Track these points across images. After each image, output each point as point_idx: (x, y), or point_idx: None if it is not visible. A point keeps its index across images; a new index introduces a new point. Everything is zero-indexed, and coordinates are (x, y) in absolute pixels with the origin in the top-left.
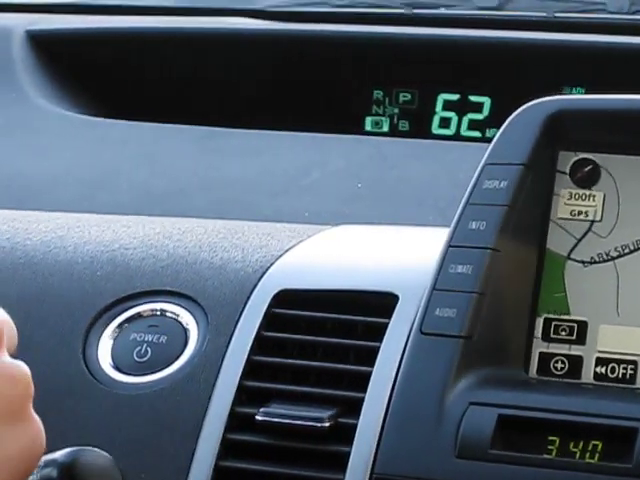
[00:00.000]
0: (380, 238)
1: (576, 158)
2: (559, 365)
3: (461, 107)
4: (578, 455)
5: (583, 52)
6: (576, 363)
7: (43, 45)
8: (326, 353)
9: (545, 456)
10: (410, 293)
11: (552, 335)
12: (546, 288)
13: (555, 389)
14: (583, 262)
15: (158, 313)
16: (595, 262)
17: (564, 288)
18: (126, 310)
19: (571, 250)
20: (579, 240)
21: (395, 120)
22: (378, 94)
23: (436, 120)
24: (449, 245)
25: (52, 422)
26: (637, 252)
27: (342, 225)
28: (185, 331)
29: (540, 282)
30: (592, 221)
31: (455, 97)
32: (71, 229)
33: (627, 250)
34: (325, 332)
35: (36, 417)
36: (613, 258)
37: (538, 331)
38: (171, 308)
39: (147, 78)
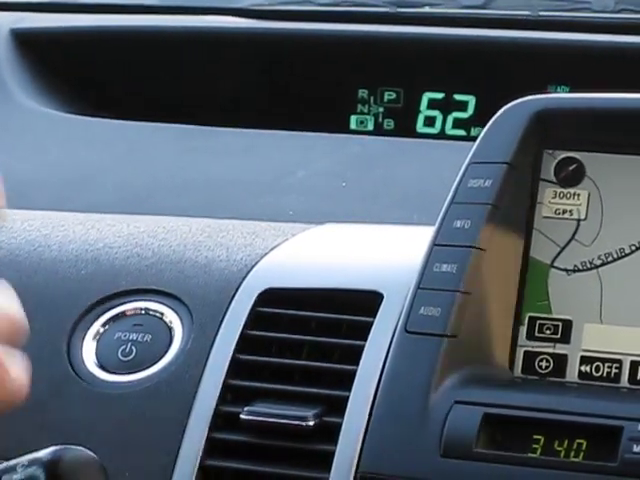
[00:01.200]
0: (365, 237)
1: (561, 157)
2: (544, 364)
3: (446, 106)
4: (563, 454)
5: (568, 51)
6: (561, 362)
7: (27, 43)
8: (311, 352)
9: (530, 455)
10: (395, 292)
11: (537, 334)
12: (530, 295)
13: (540, 388)
14: (566, 270)
15: (143, 312)
16: (578, 270)
17: (547, 296)
18: (111, 309)
19: (554, 258)
20: (562, 248)
21: (380, 119)
22: (363, 93)
23: (421, 119)
24: (434, 244)
25: (36, 421)
26: (620, 260)
27: (327, 224)
28: (170, 330)
29: (524, 284)
30: (577, 219)
31: (440, 96)
32: (55, 228)
33: (610, 258)
34: (310, 331)
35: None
36: (596, 266)
37: (523, 330)
38: (155, 307)
39: (131, 76)
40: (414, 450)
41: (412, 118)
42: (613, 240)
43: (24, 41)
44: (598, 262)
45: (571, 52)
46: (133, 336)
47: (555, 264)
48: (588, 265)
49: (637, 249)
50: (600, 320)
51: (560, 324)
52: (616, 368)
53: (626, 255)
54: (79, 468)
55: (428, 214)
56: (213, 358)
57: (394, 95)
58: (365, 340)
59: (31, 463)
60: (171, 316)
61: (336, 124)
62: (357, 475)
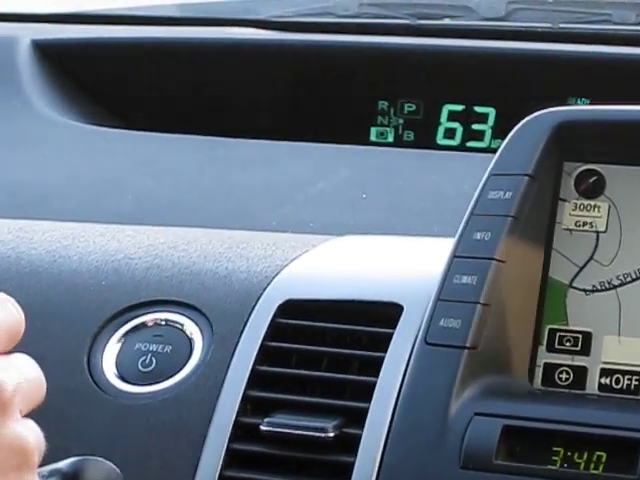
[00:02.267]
0: (385, 248)
1: (581, 169)
2: (564, 376)
3: (466, 118)
4: (582, 466)
5: (588, 63)
6: (580, 374)
7: (48, 54)
8: (331, 363)
9: (549, 467)
10: (415, 303)
11: (556, 346)
12: (548, 315)
13: (560, 400)
14: (585, 290)
15: (163, 323)
16: (597, 290)
17: (566, 316)
18: (131, 320)
19: (573, 278)
20: (581, 268)
21: (400, 130)
22: (383, 105)
23: (441, 131)
24: (454, 255)
25: (56, 431)
26: (639, 281)
27: (347, 235)
28: (190, 341)
29: (544, 298)
30: (596, 236)
31: (460, 108)
32: (76, 239)
33: (629, 279)
34: (329, 342)
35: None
36: (615, 287)
37: (543, 342)
38: (176, 318)
39: (152, 88)
40: (434, 462)
41: (432, 130)
42: (632, 260)
43: (45, 52)
44: (617, 282)
45: (591, 64)
46: (153, 347)
47: (574, 284)
48: (607, 285)
49: None
50: (619, 332)
51: (580, 336)
52: (636, 380)
53: None
54: (99, 479)
55: (448, 226)
56: (233, 369)
57: (414, 107)
58: (385, 352)
59: (51, 474)
60: (191, 327)
61: (356, 136)
62: None
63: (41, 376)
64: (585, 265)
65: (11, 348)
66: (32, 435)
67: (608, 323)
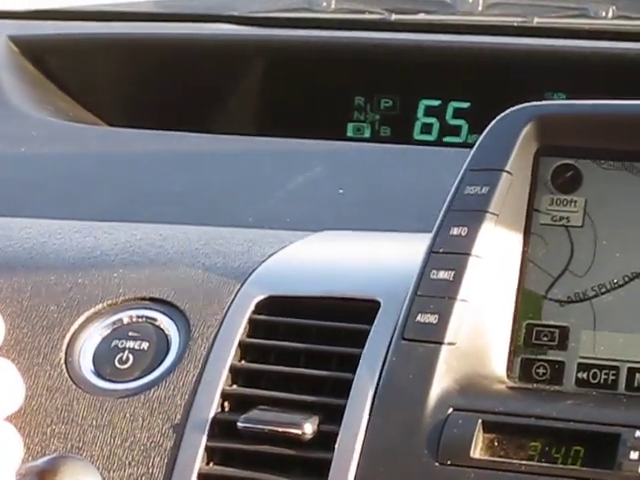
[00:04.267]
0: (362, 244)
1: (557, 164)
2: (541, 371)
3: (442, 113)
4: (560, 460)
5: (564, 58)
6: (558, 369)
7: (24, 50)
8: (308, 359)
9: (527, 462)
10: (392, 299)
11: (534, 341)
12: (519, 350)
13: (537, 395)
14: (560, 301)
15: (140, 320)
16: (572, 301)
17: (537, 351)
18: (108, 317)
19: (548, 289)
20: (556, 279)
21: (377, 126)
22: (359, 100)
23: (417, 126)
24: (431, 251)
25: (33, 428)
26: (614, 291)
27: (324, 231)
28: (167, 338)
29: (522, 292)
30: (571, 226)
31: (436, 103)
32: (52, 235)
33: (604, 290)
34: (307, 338)
35: None
36: (589, 298)
37: (520, 337)
38: (153, 315)
39: (127, 84)
40: (411, 457)
41: (409, 125)
42: (606, 271)
43: (21, 48)
44: (591, 293)
45: (568, 59)
46: (130, 344)
47: (549, 295)
48: (581, 296)
49: (630, 280)
50: (594, 327)
51: (557, 331)
52: (613, 375)
53: (619, 286)
54: (75, 476)
55: (425, 221)
56: (210, 366)
57: (390, 102)
58: (362, 347)
59: (27, 472)
60: (168, 324)
61: (333, 131)
62: None
63: (20, 381)
64: (560, 276)
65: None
66: (11, 440)
67: (584, 320)
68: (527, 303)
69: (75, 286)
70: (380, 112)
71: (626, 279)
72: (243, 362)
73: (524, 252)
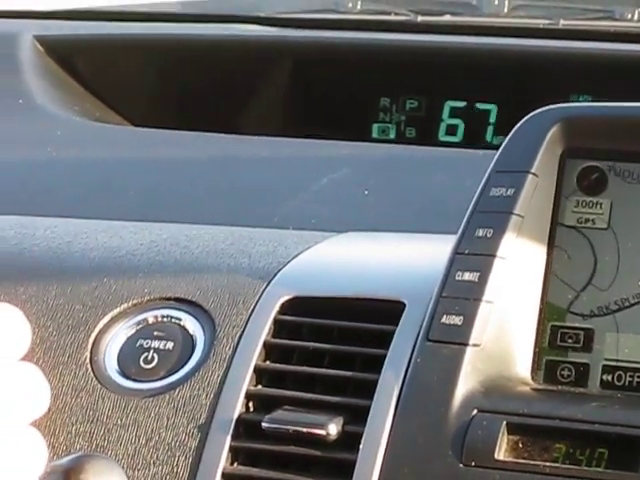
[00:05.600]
0: (387, 245)
1: (583, 165)
2: (566, 373)
3: (468, 114)
4: (584, 463)
5: (590, 60)
6: (583, 371)
7: (50, 51)
8: (333, 360)
9: (551, 463)
10: (417, 300)
11: (559, 343)
12: (544, 351)
13: (562, 397)
14: (583, 315)
15: (165, 320)
16: (595, 315)
17: (562, 353)
18: (133, 316)
19: (571, 303)
20: (579, 293)
21: (402, 127)
22: (385, 101)
23: (443, 127)
24: (456, 252)
25: (59, 428)
26: (636, 306)
27: (349, 232)
28: (192, 338)
29: (547, 293)
30: (596, 229)
31: (462, 104)
32: (78, 235)
33: (627, 304)
34: (332, 339)
35: None
36: (613, 311)
37: (545, 339)
38: (177, 315)
39: (154, 84)
40: (436, 459)
41: (434, 126)
42: (629, 284)
43: (47, 48)
44: (615, 307)
45: (593, 61)
46: (155, 344)
47: (571, 309)
48: (605, 310)
49: None
50: (619, 330)
51: (582, 333)
52: (638, 377)
53: None
54: (100, 475)
55: (450, 223)
56: (235, 366)
57: (416, 104)
58: (387, 349)
59: (53, 470)
60: (193, 324)
61: (358, 132)
62: None
63: (47, 386)
64: (583, 290)
65: (19, 358)
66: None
67: (608, 325)
68: (550, 314)
69: (100, 286)
70: (405, 113)
71: None
72: (268, 362)
73: (547, 263)
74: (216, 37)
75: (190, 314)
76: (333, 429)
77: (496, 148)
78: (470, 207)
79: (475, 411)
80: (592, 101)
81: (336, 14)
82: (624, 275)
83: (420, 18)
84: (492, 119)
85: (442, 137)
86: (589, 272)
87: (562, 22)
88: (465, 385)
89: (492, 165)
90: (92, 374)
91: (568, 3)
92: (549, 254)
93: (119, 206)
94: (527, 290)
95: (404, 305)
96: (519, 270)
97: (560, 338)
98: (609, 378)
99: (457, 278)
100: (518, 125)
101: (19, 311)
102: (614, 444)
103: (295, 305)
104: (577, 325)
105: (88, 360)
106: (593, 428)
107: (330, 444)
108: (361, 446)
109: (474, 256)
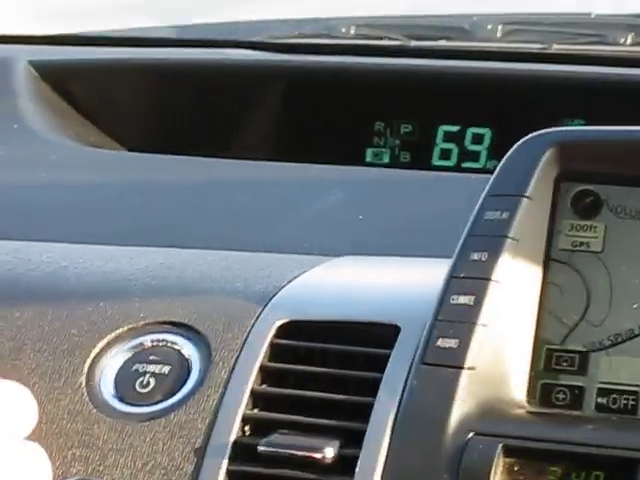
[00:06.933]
0: (381, 269)
1: (577, 189)
2: (561, 396)
3: (461, 139)
4: None
5: (583, 84)
6: (578, 394)
7: (45, 75)
8: (329, 384)
9: None
10: (412, 324)
11: (554, 366)
12: (539, 375)
13: (557, 420)
14: (576, 352)
15: (160, 344)
16: (588, 351)
17: (557, 376)
18: (129, 341)
19: (564, 339)
20: (572, 329)
21: (396, 151)
22: (379, 125)
23: (437, 152)
24: (451, 276)
25: (54, 452)
26: (629, 342)
27: (344, 256)
28: (187, 362)
29: (543, 315)
30: (594, 252)
31: (455, 129)
32: (73, 260)
33: (620, 339)
34: (327, 363)
35: None
36: (606, 347)
37: (540, 362)
38: (173, 339)
39: (147, 109)
40: None
41: (428, 151)
42: (622, 319)
43: (41, 73)
44: (607, 343)
45: (586, 85)
46: (151, 368)
47: (564, 346)
48: (598, 346)
49: None
50: (616, 353)
51: (577, 356)
52: (633, 400)
53: (636, 336)
54: None
55: (445, 246)
56: (231, 390)
57: (410, 128)
58: (382, 372)
59: None
60: (189, 348)
61: (352, 157)
62: None
63: (49, 465)
64: (576, 326)
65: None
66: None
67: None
68: (542, 352)
69: (96, 310)
70: (399, 137)
71: None
72: (264, 386)
73: (541, 295)
74: (209, 62)
75: (186, 338)
76: (329, 452)
77: (490, 172)
78: (465, 231)
79: (471, 434)
80: (585, 125)
81: (330, 39)
82: (617, 309)
83: (414, 43)
84: (486, 143)
85: (436, 161)
86: (582, 308)
87: (555, 46)
88: (461, 408)
89: (487, 189)
90: (88, 398)
91: (561, 28)
92: (543, 283)
93: (114, 231)
94: (522, 313)
95: (399, 329)
96: (514, 293)
97: (555, 361)
98: (604, 401)
99: (452, 301)
100: (512, 149)
101: (26, 389)
102: (610, 467)
103: (291, 329)
104: (572, 348)
105: (84, 384)
106: (589, 451)
107: (326, 467)
108: (357, 469)
109: (469, 279)
